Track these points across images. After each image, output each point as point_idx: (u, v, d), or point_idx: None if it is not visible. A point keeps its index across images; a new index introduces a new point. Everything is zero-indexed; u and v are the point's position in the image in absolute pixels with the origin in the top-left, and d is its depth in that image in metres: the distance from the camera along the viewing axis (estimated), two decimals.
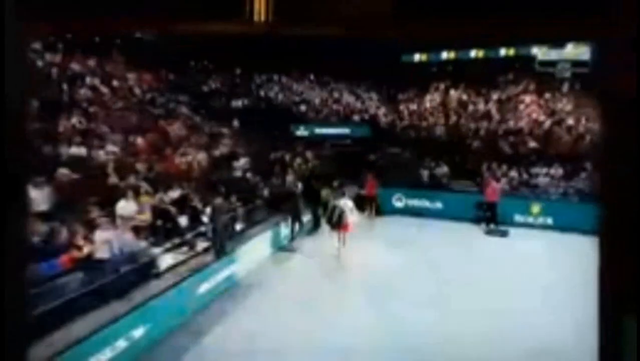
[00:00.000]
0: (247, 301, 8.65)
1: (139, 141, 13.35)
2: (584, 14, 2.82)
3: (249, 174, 14.07)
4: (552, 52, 17.26)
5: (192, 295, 8.12)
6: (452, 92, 21.72)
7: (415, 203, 14.45)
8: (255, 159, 15.59)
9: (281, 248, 11.72)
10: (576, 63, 17.38)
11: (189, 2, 3.18)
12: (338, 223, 11.09)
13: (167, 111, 18.52)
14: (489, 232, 12.70)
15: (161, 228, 9.99)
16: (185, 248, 9.59)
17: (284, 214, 12.39)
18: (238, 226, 11.63)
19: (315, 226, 12.99)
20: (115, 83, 18.20)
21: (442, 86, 22.36)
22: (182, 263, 9.11)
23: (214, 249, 9.72)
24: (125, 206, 9.13)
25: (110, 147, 12.24)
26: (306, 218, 12.92)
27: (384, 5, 3.09)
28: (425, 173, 15.26)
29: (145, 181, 11.27)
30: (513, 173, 14.30)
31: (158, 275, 8.58)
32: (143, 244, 8.84)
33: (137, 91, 19.57)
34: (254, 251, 10.54)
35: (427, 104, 21.36)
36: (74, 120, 13.53)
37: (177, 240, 9.61)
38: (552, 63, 18.18)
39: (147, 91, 19.68)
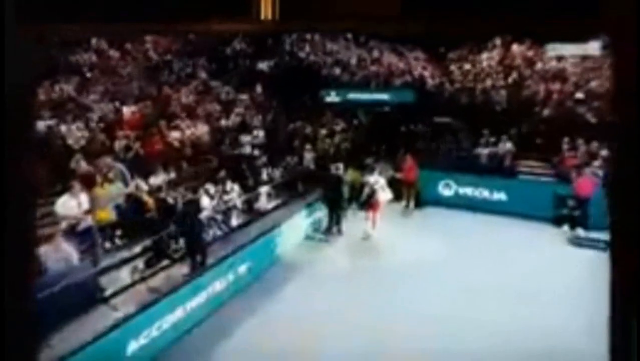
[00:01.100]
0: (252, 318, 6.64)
1: (125, 112, 11.04)
2: (584, 14, 1.59)
3: (257, 152, 11.51)
4: (563, 47, 15.27)
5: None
6: (515, 47, 17.93)
7: (468, 191, 11.01)
8: (270, 131, 13.00)
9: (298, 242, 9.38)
10: (587, 58, 15.18)
11: (196, 1, 2.29)
12: (367, 202, 9.47)
13: (179, 75, 16.30)
14: (576, 241, 8.95)
15: (131, 229, 7.75)
16: (151, 259, 7.23)
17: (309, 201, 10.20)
18: (234, 221, 9.21)
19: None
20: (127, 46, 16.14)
21: (500, 41, 18.54)
22: (142, 280, 6.78)
23: (189, 259, 7.32)
24: (67, 204, 6.80)
25: (81, 123, 10.01)
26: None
27: (390, 4, 1.88)
28: (483, 151, 11.73)
29: (123, 163, 9.08)
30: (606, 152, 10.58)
31: (105, 300, 6.33)
32: (89, 255, 6.60)
33: (152, 54, 17.52)
34: (254, 254, 7.97)
35: (484, 63, 17.71)
36: (56, 88, 11.44)
37: (141, 247, 7.28)
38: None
39: (163, 53, 17.60)
